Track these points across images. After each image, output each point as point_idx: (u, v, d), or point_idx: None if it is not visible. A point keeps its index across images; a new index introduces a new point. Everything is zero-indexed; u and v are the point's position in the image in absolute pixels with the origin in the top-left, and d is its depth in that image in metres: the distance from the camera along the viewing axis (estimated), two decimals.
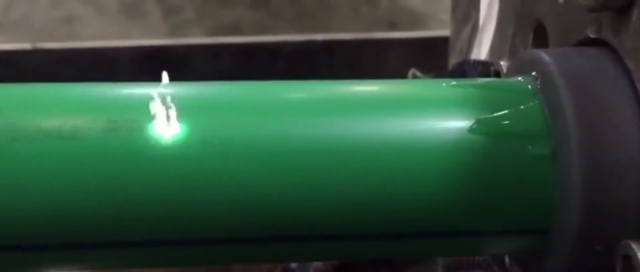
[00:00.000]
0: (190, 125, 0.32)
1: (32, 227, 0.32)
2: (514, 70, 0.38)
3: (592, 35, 0.37)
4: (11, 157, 0.31)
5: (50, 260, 0.33)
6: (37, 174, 0.31)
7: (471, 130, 0.34)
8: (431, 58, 0.87)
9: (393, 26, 1.37)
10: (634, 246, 0.32)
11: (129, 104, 0.33)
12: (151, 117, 0.32)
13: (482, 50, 0.54)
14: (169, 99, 0.33)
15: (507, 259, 0.41)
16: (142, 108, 0.33)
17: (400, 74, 0.71)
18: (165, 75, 0.34)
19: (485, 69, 0.47)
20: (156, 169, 0.32)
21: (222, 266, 0.71)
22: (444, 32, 0.78)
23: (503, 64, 0.41)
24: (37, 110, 0.32)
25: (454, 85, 0.36)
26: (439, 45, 0.84)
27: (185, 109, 0.33)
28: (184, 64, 0.92)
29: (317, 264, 0.56)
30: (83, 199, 0.32)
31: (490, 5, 0.53)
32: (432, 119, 0.34)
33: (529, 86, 0.35)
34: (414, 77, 0.60)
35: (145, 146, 0.32)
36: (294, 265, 0.60)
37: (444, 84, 0.36)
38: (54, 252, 0.33)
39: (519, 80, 0.36)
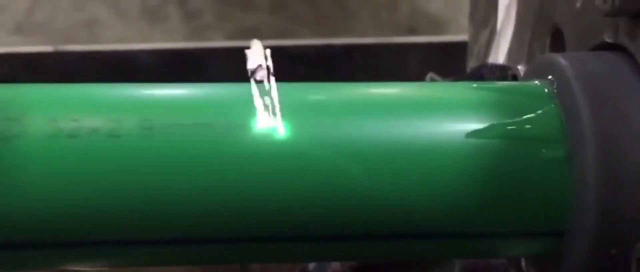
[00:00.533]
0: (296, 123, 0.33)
1: (113, 224, 0.33)
2: (530, 74, 0.38)
3: (608, 40, 0.37)
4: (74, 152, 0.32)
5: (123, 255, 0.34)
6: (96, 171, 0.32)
7: (487, 133, 0.34)
8: (450, 62, 0.88)
9: (413, 31, 1.37)
10: None
11: (229, 103, 0.34)
12: (253, 115, 0.33)
13: (499, 55, 0.54)
14: (273, 98, 0.34)
15: (523, 262, 0.42)
16: (243, 106, 0.33)
17: (419, 78, 0.71)
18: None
19: (503, 73, 0.48)
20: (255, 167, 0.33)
21: (239, 265, 0.72)
22: (463, 36, 0.79)
23: (520, 68, 0.42)
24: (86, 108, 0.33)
25: (471, 89, 0.36)
26: (457, 50, 0.84)
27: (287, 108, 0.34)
28: (204, 67, 0.93)
29: (335, 266, 0.56)
30: (153, 196, 0.32)
31: (508, 10, 0.53)
32: (448, 121, 0.34)
33: (546, 90, 0.35)
34: (432, 81, 0.61)
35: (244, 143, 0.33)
36: (312, 266, 0.60)
37: (461, 87, 0.37)
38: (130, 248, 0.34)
39: (536, 84, 0.36)
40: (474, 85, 0.37)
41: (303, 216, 0.33)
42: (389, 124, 0.34)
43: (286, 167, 0.33)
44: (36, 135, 0.32)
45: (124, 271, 0.37)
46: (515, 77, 0.42)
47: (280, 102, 0.34)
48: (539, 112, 0.35)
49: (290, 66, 0.93)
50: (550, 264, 0.37)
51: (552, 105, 0.35)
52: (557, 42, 0.43)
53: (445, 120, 0.34)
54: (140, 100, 0.34)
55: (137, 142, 0.32)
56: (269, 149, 0.33)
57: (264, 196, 0.33)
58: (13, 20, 1.36)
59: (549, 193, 0.34)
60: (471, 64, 0.64)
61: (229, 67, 0.93)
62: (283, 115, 0.33)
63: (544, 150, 0.34)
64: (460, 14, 1.28)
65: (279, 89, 0.35)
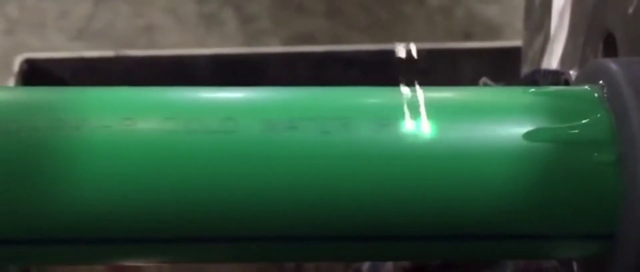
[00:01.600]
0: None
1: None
2: (582, 79, 0.39)
3: None
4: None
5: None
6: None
7: (537, 136, 0.34)
8: (505, 68, 0.88)
9: (468, 36, 1.37)
10: None
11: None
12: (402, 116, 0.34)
13: (553, 60, 0.54)
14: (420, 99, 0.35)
15: (575, 266, 0.42)
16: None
17: (473, 84, 0.71)
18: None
19: (556, 78, 0.48)
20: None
21: (294, 265, 0.73)
22: (517, 42, 0.79)
23: (573, 73, 0.42)
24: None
25: (521, 93, 0.37)
26: (512, 55, 0.84)
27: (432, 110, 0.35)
28: (260, 72, 0.94)
29: (388, 266, 0.57)
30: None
31: (561, 15, 0.53)
32: (499, 125, 0.35)
33: (596, 94, 0.36)
34: (485, 85, 0.61)
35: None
36: (365, 267, 0.61)
37: (511, 92, 0.37)
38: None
39: (586, 89, 0.37)
40: (524, 89, 0.37)
41: (356, 217, 0.34)
42: (440, 127, 0.35)
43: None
44: (105, 133, 0.33)
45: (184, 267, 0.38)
46: (567, 82, 0.43)
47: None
48: (589, 116, 0.35)
49: (345, 70, 0.94)
50: (600, 267, 0.37)
51: (603, 110, 0.35)
52: (610, 48, 0.43)
53: (496, 124, 0.35)
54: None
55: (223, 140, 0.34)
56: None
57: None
58: (74, 27, 1.39)
59: (599, 196, 0.35)
60: (525, 69, 0.65)
61: (286, 72, 0.94)
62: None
63: (594, 154, 0.35)
64: (516, 18, 1.28)
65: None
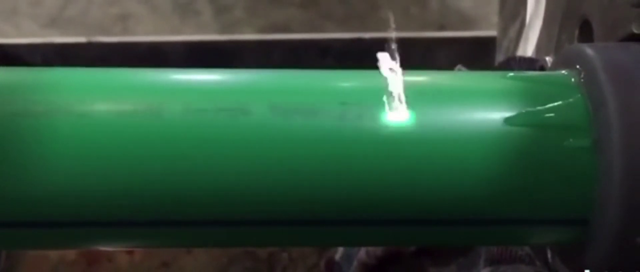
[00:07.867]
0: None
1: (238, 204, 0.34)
2: (558, 64, 0.39)
3: (636, 31, 0.37)
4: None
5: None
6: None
7: (513, 121, 0.34)
8: (479, 58, 0.88)
9: (442, 29, 1.37)
10: None
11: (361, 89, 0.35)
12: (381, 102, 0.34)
13: (528, 48, 0.54)
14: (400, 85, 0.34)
15: (549, 253, 0.42)
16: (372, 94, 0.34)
17: None
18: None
19: (531, 65, 0.48)
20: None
21: (267, 252, 0.73)
22: (492, 32, 0.79)
23: (548, 59, 0.42)
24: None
25: (497, 77, 0.37)
26: (487, 45, 0.84)
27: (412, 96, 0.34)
28: (235, 61, 0.94)
29: (361, 256, 0.56)
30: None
31: (537, 3, 0.53)
32: (475, 109, 0.35)
33: (572, 79, 0.36)
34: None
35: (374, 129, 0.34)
36: (338, 257, 0.61)
37: (488, 76, 0.37)
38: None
39: (563, 74, 0.36)
40: (501, 74, 0.37)
41: (332, 201, 0.34)
42: (415, 111, 0.34)
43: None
44: (69, 115, 0.33)
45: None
46: (542, 69, 0.43)
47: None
48: (566, 101, 0.35)
49: (321, 59, 0.94)
50: (574, 254, 0.37)
51: (579, 94, 0.35)
52: (586, 34, 0.43)
53: (471, 108, 0.35)
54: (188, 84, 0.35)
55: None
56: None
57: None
58: (47, 14, 1.38)
59: (574, 181, 0.34)
60: (500, 58, 0.65)
61: (260, 60, 0.94)
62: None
63: (569, 139, 0.34)
64: (490, 10, 1.28)
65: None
